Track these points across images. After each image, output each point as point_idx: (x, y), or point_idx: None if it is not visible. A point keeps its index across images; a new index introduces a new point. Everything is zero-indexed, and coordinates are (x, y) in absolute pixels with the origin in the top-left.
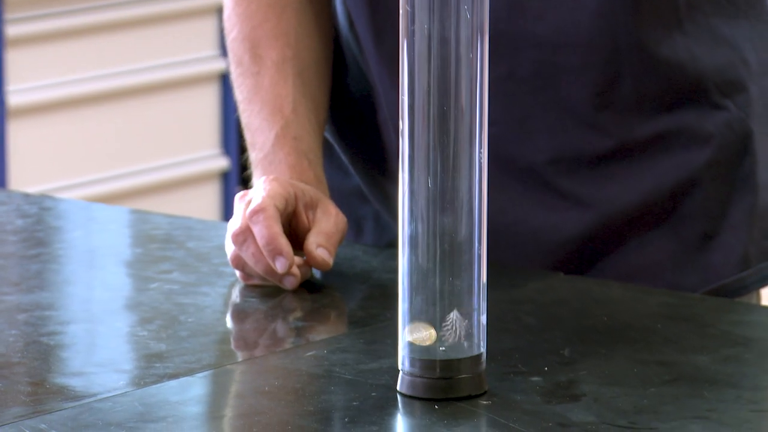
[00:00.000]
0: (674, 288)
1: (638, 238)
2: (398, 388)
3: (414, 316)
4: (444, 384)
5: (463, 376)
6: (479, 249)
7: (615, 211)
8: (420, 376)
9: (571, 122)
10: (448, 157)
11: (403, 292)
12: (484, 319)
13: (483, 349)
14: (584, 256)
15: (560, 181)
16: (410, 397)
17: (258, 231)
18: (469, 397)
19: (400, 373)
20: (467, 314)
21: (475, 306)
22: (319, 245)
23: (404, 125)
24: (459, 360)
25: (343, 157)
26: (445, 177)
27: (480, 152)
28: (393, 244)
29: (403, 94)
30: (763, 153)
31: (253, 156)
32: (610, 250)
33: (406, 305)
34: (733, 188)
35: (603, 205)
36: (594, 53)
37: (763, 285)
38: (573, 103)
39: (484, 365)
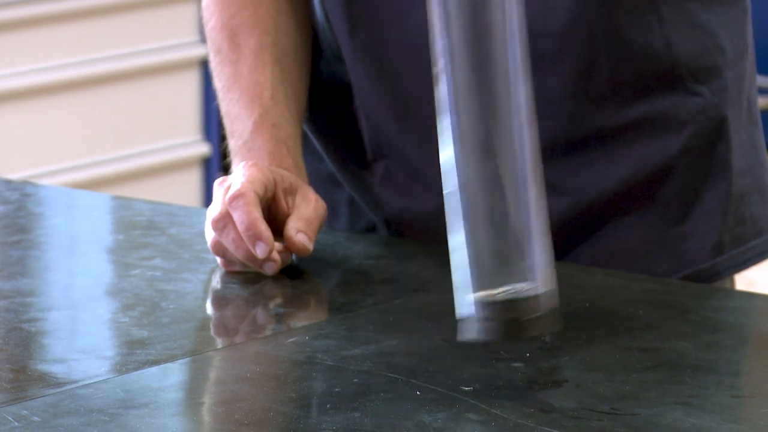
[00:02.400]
0: (648, 274)
1: (613, 224)
2: (464, 336)
3: (479, 257)
4: (519, 325)
5: (539, 315)
6: (532, 191)
7: (590, 198)
8: (494, 319)
9: (546, 110)
10: (489, 101)
11: (467, 237)
12: (551, 254)
13: (555, 285)
14: (559, 243)
15: None
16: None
17: (238, 216)
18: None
19: (468, 321)
20: (532, 252)
21: (538, 243)
22: (299, 231)
23: (442, 70)
24: (533, 299)
25: (317, 144)
26: (488, 121)
27: (524, 92)
28: (368, 229)
29: (442, 38)
30: (738, 139)
31: (233, 143)
32: (585, 237)
33: (473, 251)
34: (708, 175)
35: (578, 193)
36: (570, 41)
37: (736, 271)
38: (549, 90)
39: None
